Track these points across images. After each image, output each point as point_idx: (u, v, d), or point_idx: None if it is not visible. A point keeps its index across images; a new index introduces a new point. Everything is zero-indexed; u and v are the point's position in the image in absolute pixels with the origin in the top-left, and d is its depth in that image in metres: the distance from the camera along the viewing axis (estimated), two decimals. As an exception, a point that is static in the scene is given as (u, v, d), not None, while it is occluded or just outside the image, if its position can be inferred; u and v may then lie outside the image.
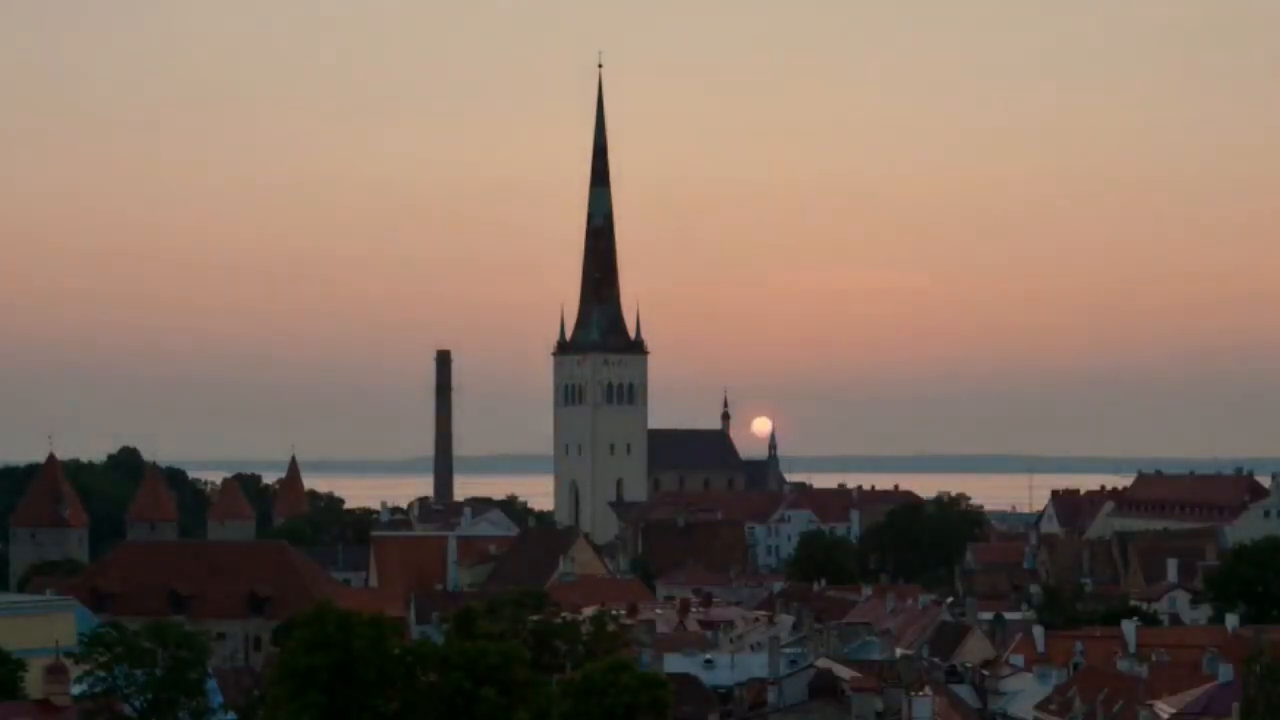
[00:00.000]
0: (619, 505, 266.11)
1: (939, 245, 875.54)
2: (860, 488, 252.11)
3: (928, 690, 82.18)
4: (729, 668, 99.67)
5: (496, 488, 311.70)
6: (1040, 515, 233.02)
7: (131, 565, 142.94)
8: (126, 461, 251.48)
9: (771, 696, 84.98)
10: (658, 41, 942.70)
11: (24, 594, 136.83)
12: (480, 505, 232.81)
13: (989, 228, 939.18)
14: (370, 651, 66.09)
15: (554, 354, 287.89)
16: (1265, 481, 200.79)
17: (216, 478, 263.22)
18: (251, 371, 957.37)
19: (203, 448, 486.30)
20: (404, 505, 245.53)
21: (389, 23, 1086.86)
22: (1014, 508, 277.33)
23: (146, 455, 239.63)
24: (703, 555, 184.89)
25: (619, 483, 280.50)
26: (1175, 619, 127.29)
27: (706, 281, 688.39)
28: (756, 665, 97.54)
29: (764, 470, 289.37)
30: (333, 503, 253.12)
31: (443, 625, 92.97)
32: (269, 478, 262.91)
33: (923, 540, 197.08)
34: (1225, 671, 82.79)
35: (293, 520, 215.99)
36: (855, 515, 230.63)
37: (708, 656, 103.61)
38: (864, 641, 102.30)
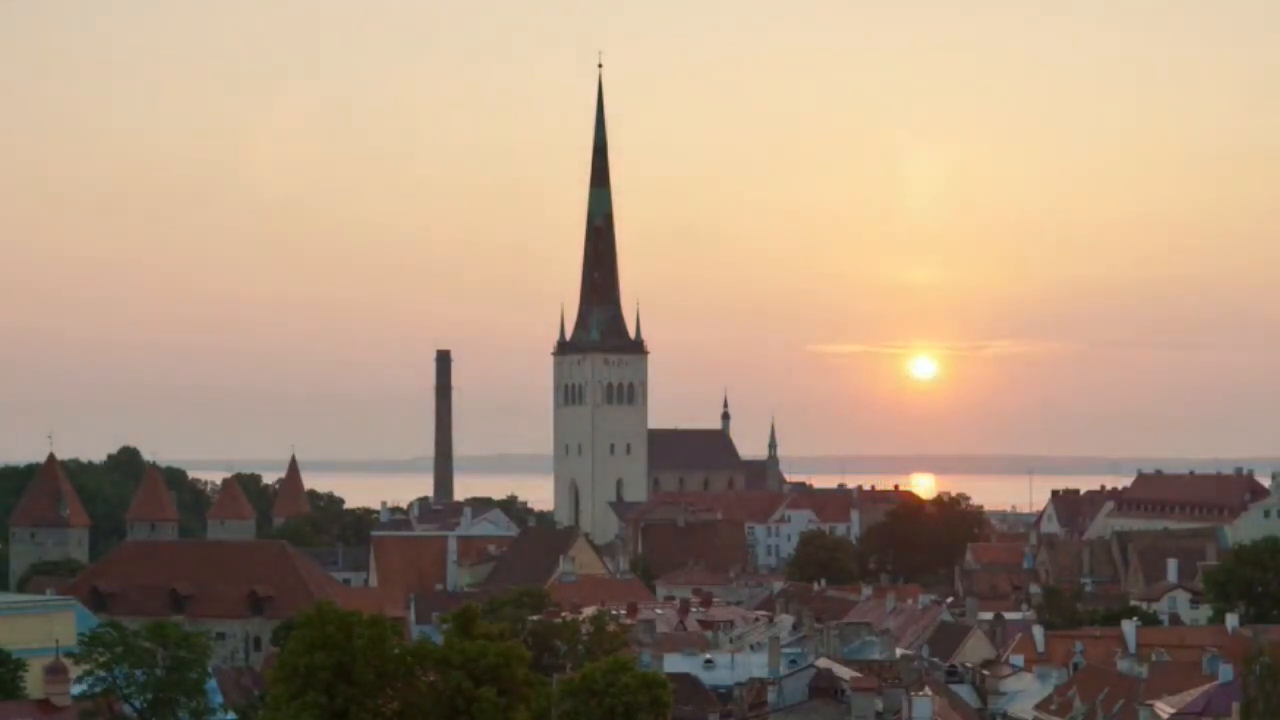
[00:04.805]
0: (619, 505, 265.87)
1: (940, 243, 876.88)
2: (860, 488, 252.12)
3: (928, 690, 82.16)
4: (729, 668, 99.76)
5: (496, 488, 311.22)
6: (1040, 515, 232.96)
7: (131, 565, 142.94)
8: (126, 461, 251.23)
9: (771, 696, 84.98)
10: (658, 41, 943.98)
11: (24, 594, 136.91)
12: (480, 505, 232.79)
13: (988, 225, 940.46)
14: (370, 651, 66.02)
15: (554, 354, 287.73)
16: (1265, 481, 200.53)
17: (216, 478, 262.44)
18: (251, 372, 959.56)
19: (203, 448, 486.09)
20: (404, 505, 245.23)
21: (387, 24, 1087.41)
22: (1014, 508, 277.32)
23: (146, 455, 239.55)
24: (703, 555, 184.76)
25: (619, 483, 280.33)
26: (1175, 619, 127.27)
27: (706, 281, 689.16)
28: (756, 665, 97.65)
29: (764, 470, 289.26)
30: (333, 503, 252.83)
31: (443, 625, 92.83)
32: (269, 478, 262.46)
33: (923, 540, 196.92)
34: (1225, 671, 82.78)
35: (293, 520, 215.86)
36: (855, 515, 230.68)
37: (708, 656, 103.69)
38: (864, 641, 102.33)
